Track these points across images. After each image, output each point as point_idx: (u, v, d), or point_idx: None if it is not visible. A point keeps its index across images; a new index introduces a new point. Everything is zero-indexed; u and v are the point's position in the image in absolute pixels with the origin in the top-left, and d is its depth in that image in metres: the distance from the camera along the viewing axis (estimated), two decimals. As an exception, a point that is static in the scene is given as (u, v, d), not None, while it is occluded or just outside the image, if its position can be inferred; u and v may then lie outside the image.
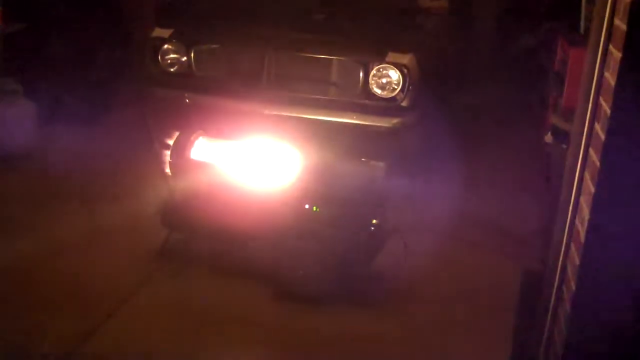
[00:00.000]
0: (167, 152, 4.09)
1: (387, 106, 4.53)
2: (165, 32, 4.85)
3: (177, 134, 4.10)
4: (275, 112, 4.55)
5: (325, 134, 4.50)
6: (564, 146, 3.81)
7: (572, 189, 2.76)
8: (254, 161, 3.99)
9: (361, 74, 4.52)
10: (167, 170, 4.11)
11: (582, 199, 2.66)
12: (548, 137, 4.05)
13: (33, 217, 4.58)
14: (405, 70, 4.48)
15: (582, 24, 5.08)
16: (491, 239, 4.46)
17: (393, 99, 4.51)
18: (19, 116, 5.58)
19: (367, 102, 4.54)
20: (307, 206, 3.75)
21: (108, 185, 4.97)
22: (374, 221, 3.78)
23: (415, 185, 4.61)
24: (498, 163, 5.56)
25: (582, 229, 2.57)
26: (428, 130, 4.77)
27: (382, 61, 4.50)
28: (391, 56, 4.50)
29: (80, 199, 4.78)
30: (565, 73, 4.28)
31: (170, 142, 4.10)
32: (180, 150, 3.96)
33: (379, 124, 4.52)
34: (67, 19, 6.07)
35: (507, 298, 3.73)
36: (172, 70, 4.82)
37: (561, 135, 3.88)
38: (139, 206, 4.41)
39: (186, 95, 4.59)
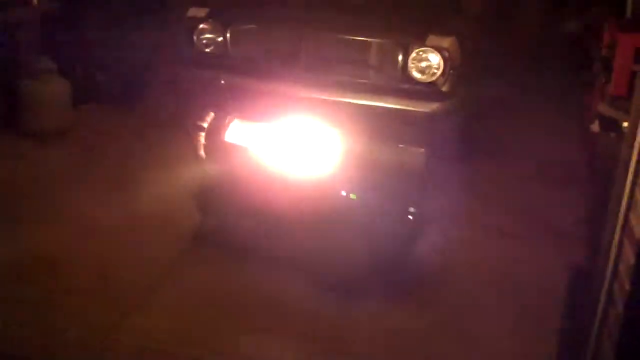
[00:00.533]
0: (202, 135, 3.98)
1: (426, 91, 4.36)
2: (201, 12, 4.73)
3: (211, 116, 3.98)
4: (311, 95, 4.41)
5: (363, 118, 4.36)
6: (613, 135, 3.64)
7: (626, 181, 2.60)
8: (290, 145, 3.88)
9: (400, 57, 4.36)
10: (202, 153, 3.99)
11: (637, 193, 2.50)
12: (595, 126, 3.87)
13: (67, 198, 4.55)
14: (446, 54, 4.30)
15: (629, 7, 4.89)
16: (532, 229, 4.30)
17: (433, 83, 4.34)
18: (54, 94, 5.53)
19: (406, 87, 4.37)
20: (344, 193, 3.63)
21: (142, 167, 4.92)
22: (412, 209, 3.64)
23: (454, 172, 4.46)
24: (539, 150, 5.35)
25: (637, 225, 2.41)
26: (468, 116, 4.61)
27: (422, 44, 4.33)
28: (432, 39, 4.33)
29: (114, 180, 4.72)
30: (613, 59, 4.08)
31: (205, 124, 3.99)
32: (215, 132, 3.86)
33: (418, 109, 4.35)
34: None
35: (550, 294, 3.59)
36: (207, 50, 4.70)
37: (609, 124, 3.70)
38: (174, 189, 4.34)
39: (222, 77, 4.44)
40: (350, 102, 4.40)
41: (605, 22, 4.96)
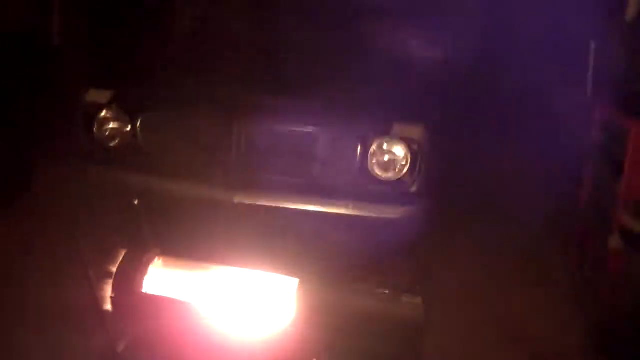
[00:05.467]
0: (109, 283, 2.89)
1: (391, 192, 3.58)
2: (103, 96, 3.83)
3: (122, 255, 2.91)
4: (246, 201, 3.56)
5: (312, 229, 3.54)
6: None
7: None
8: (235, 294, 2.81)
9: (358, 151, 3.57)
10: (108, 307, 2.89)
11: None
12: (615, 241, 3.11)
13: None
14: (415, 147, 3.54)
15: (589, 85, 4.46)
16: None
17: (399, 182, 3.57)
18: None
19: (366, 187, 3.59)
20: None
21: (19, 314, 3.65)
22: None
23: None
24: (526, 261, 4.50)
25: None
26: (443, 220, 3.82)
27: (385, 134, 3.55)
28: (398, 129, 3.56)
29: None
30: (625, 154, 3.36)
31: (113, 268, 2.91)
32: (127, 280, 2.79)
33: (381, 215, 3.56)
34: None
35: None
36: (112, 144, 3.79)
37: (637, 241, 2.96)
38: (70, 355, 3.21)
39: (135, 198, 3.44)
40: (294, 209, 3.57)
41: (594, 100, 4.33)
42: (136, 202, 3.14)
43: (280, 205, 3.56)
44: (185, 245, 3.07)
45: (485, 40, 4.89)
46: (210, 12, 4.67)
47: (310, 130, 3.65)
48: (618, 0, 4.18)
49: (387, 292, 2.74)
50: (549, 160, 4.97)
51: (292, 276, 2.71)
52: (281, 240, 3.43)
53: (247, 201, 3.55)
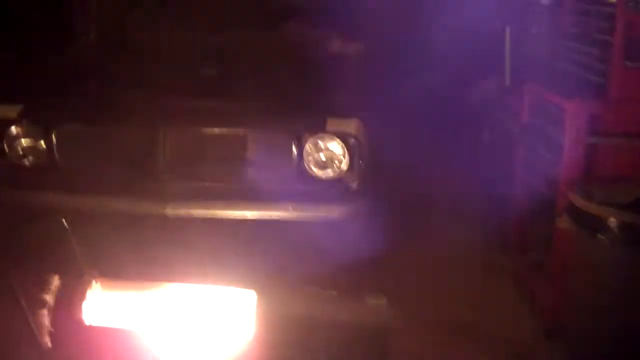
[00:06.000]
0: (45, 313, 2.58)
1: (332, 191, 3.44)
2: (12, 110, 3.54)
3: (55, 279, 2.62)
4: (180, 212, 3.34)
5: (256, 236, 3.36)
6: (602, 237, 2.85)
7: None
8: (184, 316, 2.57)
9: (292, 150, 3.42)
10: (47, 341, 2.59)
11: None
12: (564, 222, 3.06)
13: None
14: (352, 141, 3.41)
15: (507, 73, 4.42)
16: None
17: (339, 180, 3.44)
18: None
19: (305, 188, 3.44)
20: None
21: None
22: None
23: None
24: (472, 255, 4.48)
25: None
26: (388, 218, 3.71)
27: (319, 130, 3.41)
28: (332, 123, 3.42)
29: None
30: (563, 134, 3.35)
31: (48, 296, 2.59)
32: (66, 309, 2.51)
33: (324, 216, 3.42)
34: None
35: None
36: (25, 163, 3.51)
37: (588, 221, 2.92)
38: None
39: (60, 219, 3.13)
40: (231, 217, 3.38)
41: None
42: (64, 222, 2.86)
43: (217, 214, 3.39)
44: (123, 266, 2.83)
45: (408, 34, 4.84)
46: (126, 17, 4.45)
47: (240, 133, 3.49)
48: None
49: (334, 292, 2.58)
50: (480, 150, 4.97)
51: (244, 288, 2.52)
52: (226, 251, 3.24)
53: (181, 212, 3.36)
